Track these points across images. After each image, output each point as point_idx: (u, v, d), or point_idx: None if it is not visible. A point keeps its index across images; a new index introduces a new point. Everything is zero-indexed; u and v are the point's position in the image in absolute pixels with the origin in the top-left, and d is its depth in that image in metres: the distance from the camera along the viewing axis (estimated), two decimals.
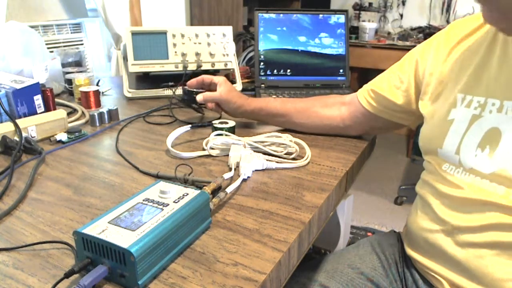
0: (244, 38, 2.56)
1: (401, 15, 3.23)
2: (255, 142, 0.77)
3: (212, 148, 0.78)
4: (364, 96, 0.82)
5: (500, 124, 0.59)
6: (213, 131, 0.83)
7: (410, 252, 0.74)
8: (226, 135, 0.78)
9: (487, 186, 0.59)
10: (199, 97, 0.87)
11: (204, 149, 0.79)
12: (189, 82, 0.91)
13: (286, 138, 0.77)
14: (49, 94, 0.98)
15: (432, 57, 0.71)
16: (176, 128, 0.83)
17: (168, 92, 1.17)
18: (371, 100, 0.81)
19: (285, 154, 0.76)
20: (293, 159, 0.75)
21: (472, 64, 0.65)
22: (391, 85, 0.78)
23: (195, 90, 0.90)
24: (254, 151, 0.76)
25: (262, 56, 1.23)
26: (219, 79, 0.89)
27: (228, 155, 0.75)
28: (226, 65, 1.20)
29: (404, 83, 0.76)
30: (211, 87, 0.90)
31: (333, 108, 0.87)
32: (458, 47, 0.69)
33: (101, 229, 0.45)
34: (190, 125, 0.85)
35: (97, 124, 0.95)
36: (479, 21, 0.67)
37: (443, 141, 0.66)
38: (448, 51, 0.69)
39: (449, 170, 0.65)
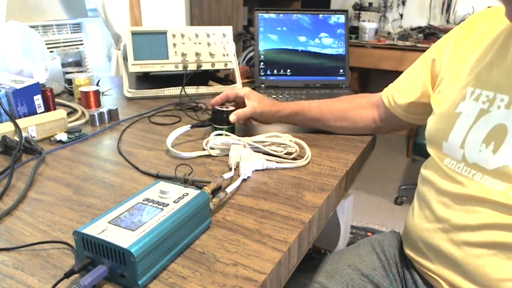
0: (244, 38, 2.57)
1: (401, 15, 3.24)
2: (255, 142, 0.77)
3: (212, 148, 0.78)
4: (391, 103, 0.82)
5: (507, 120, 0.58)
6: (213, 131, 0.83)
7: (408, 252, 0.74)
8: (226, 135, 0.78)
9: (488, 182, 0.59)
10: (232, 118, 0.81)
11: (204, 149, 0.79)
12: (213, 101, 0.85)
13: (286, 138, 0.77)
14: (49, 94, 0.98)
15: (449, 51, 0.71)
16: (176, 128, 0.83)
17: (168, 92, 1.17)
18: (396, 107, 0.81)
19: (285, 154, 0.76)
20: (293, 159, 0.75)
21: (486, 59, 0.64)
22: (414, 92, 0.77)
23: (225, 108, 0.84)
24: (254, 151, 0.76)
25: (262, 56, 1.23)
26: (245, 91, 0.84)
27: (228, 155, 0.75)
28: (226, 65, 1.20)
29: (421, 85, 0.76)
30: (237, 100, 0.86)
31: (367, 110, 0.86)
32: (474, 41, 0.68)
33: (101, 229, 0.45)
34: (190, 125, 0.85)
35: (97, 124, 0.95)
36: (498, 15, 0.66)
37: (449, 134, 0.65)
38: (465, 46, 0.69)
39: (451, 165, 0.64)
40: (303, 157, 0.75)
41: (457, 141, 0.63)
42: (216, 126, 0.85)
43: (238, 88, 0.87)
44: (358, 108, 0.86)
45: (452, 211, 0.63)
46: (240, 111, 0.82)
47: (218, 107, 0.85)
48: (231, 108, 0.85)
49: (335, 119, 0.86)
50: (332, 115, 0.86)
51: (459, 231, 0.62)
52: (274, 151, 0.76)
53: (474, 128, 0.62)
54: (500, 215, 0.57)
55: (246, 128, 0.91)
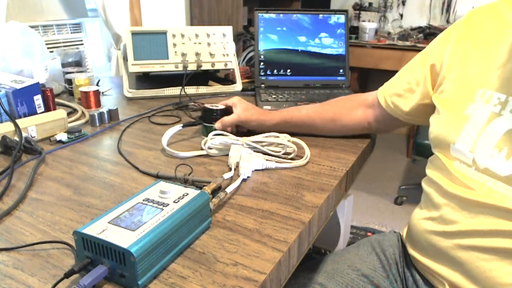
0: (244, 38, 2.57)
1: (401, 15, 3.24)
2: (253, 142, 0.77)
3: (210, 148, 0.78)
4: (390, 106, 0.80)
5: None
6: (203, 130, 0.84)
7: (411, 252, 0.73)
8: (224, 135, 0.78)
9: (500, 188, 0.58)
10: (217, 125, 0.83)
11: (202, 149, 0.78)
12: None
13: (284, 138, 0.77)
14: (49, 94, 0.98)
15: (450, 49, 0.69)
16: (169, 129, 0.83)
17: (168, 92, 1.17)
18: (397, 111, 0.79)
19: (283, 154, 0.76)
20: (291, 159, 0.75)
21: (495, 59, 0.62)
22: (416, 95, 0.75)
23: (214, 107, 0.86)
24: (253, 151, 0.76)
25: (262, 56, 1.23)
26: (233, 100, 0.86)
27: (226, 155, 0.76)
28: (226, 65, 1.20)
29: (421, 84, 0.74)
30: (228, 110, 0.87)
31: (358, 112, 0.85)
32: (478, 40, 0.66)
33: (101, 229, 0.45)
34: (181, 125, 0.84)
35: (97, 124, 0.95)
36: (499, 12, 0.65)
37: (457, 136, 0.63)
38: (467, 43, 0.67)
39: (461, 168, 0.63)
40: (302, 157, 0.75)
41: (467, 144, 0.61)
42: (206, 124, 0.85)
43: (228, 99, 0.88)
44: (349, 111, 0.85)
45: (460, 215, 0.62)
46: (225, 118, 0.84)
47: (208, 106, 0.86)
48: (221, 107, 0.86)
49: (325, 124, 0.86)
50: (322, 121, 0.85)
51: (467, 235, 0.61)
52: (273, 151, 0.76)
53: (485, 132, 0.60)
54: (511, 223, 0.56)
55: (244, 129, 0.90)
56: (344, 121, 0.85)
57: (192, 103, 1.06)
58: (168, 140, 0.82)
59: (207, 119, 0.86)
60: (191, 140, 0.86)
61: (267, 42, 1.23)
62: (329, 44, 1.25)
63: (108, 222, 0.46)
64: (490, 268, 0.58)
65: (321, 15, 1.25)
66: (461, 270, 0.62)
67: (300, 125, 0.86)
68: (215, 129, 0.83)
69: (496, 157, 0.58)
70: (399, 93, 0.78)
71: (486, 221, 0.59)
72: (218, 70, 1.28)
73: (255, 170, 0.72)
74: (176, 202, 0.51)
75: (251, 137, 0.78)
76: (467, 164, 0.62)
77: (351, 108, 0.85)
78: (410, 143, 3.01)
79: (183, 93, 1.14)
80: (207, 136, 0.84)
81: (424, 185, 0.72)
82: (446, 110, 0.67)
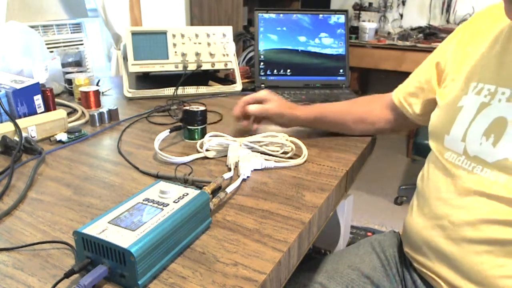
0: (244, 38, 2.56)
1: (401, 15, 3.23)
2: (250, 142, 0.76)
3: (208, 150, 0.77)
4: (405, 107, 0.82)
5: (508, 113, 0.59)
6: (185, 133, 0.84)
7: (407, 251, 0.74)
8: (199, 131, 0.77)
9: (488, 175, 0.59)
10: (252, 107, 0.80)
11: (199, 152, 0.78)
12: (236, 111, 0.83)
13: (283, 137, 0.77)
14: (49, 94, 0.98)
15: (453, 48, 0.73)
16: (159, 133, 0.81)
17: (168, 92, 1.17)
18: (410, 110, 0.82)
19: (282, 153, 0.76)
20: (290, 158, 0.75)
21: (488, 53, 0.65)
22: (426, 96, 0.78)
23: (195, 109, 0.82)
24: (251, 151, 0.76)
25: (262, 56, 1.23)
26: (263, 93, 0.82)
27: (224, 156, 0.75)
28: (226, 65, 1.20)
29: (430, 82, 0.77)
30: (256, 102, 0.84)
31: (383, 112, 0.87)
32: (476, 37, 0.69)
33: (101, 229, 0.45)
34: (169, 130, 0.80)
35: (97, 124, 0.95)
36: (498, 12, 0.67)
37: (450, 127, 0.66)
38: (468, 41, 0.70)
39: (451, 158, 0.65)
40: (300, 156, 0.75)
41: (459, 134, 0.64)
42: (189, 127, 0.84)
43: (258, 92, 0.84)
44: (375, 110, 0.88)
45: (450, 207, 0.63)
46: (259, 105, 0.81)
47: (189, 108, 0.83)
48: (202, 108, 0.84)
49: (355, 122, 0.87)
50: (351, 118, 0.87)
51: (458, 227, 0.62)
52: (271, 151, 0.76)
53: (475, 121, 0.62)
54: (499, 211, 0.57)
55: (242, 129, 0.89)
56: (372, 119, 0.87)
57: (173, 108, 1.03)
58: (161, 145, 0.81)
59: (189, 121, 0.83)
60: (188, 142, 0.86)
61: (267, 42, 1.23)
62: (329, 44, 1.25)
63: (108, 222, 0.46)
64: (481, 262, 0.59)
65: (321, 15, 1.25)
66: (454, 267, 0.63)
67: (331, 122, 0.87)
68: (200, 132, 0.83)
69: (484, 144, 0.60)
70: (411, 92, 0.81)
71: (475, 211, 0.60)
72: (218, 70, 1.27)
73: (254, 169, 0.72)
74: (176, 202, 0.51)
75: (248, 137, 0.78)
76: (458, 153, 0.64)
77: (379, 107, 0.88)
78: (410, 143, 3.01)
79: (179, 93, 1.14)
80: (190, 139, 0.84)
81: (418, 181, 0.75)
82: (443, 103, 0.70)
